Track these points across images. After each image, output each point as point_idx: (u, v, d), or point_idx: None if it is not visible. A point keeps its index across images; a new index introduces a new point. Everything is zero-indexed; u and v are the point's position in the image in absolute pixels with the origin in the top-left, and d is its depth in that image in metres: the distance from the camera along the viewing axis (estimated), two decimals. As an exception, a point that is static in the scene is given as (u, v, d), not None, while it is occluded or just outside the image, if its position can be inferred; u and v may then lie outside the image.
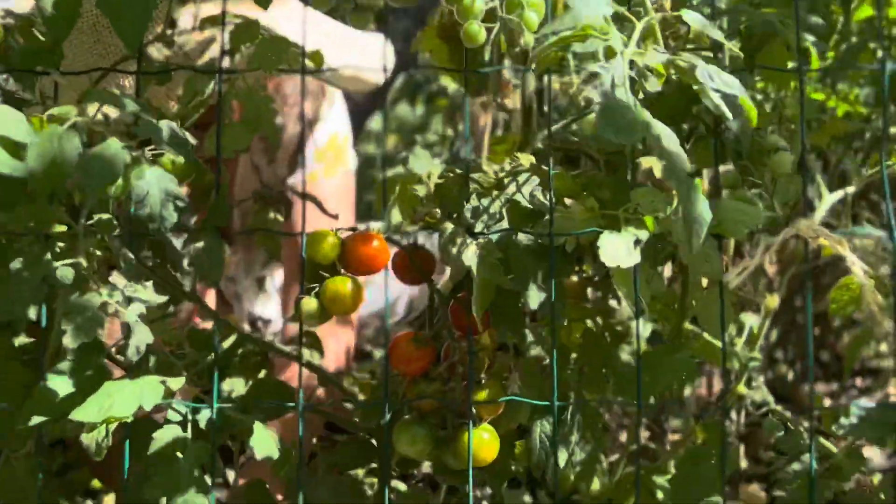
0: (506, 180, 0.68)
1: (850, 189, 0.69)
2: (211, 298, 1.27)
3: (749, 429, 1.02)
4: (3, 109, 0.50)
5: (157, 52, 0.70)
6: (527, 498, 1.01)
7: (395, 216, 0.71)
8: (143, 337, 0.58)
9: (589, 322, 0.84)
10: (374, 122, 2.30)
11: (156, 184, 0.55)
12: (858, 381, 1.57)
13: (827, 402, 1.45)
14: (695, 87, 0.58)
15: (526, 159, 0.72)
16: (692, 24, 0.60)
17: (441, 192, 0.67)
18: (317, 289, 0.63)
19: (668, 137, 0.54)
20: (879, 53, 1.17)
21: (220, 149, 0.65)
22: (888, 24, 1.10)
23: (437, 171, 0.68)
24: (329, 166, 1.19)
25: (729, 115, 0.58)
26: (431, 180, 0.67)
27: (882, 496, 0.64)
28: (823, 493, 0.64)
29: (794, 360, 1.45)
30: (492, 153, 0.84)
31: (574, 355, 0.83)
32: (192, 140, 0.60)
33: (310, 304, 0.63)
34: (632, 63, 0.58)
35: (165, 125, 0.57)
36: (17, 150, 0.49)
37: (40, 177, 0.49)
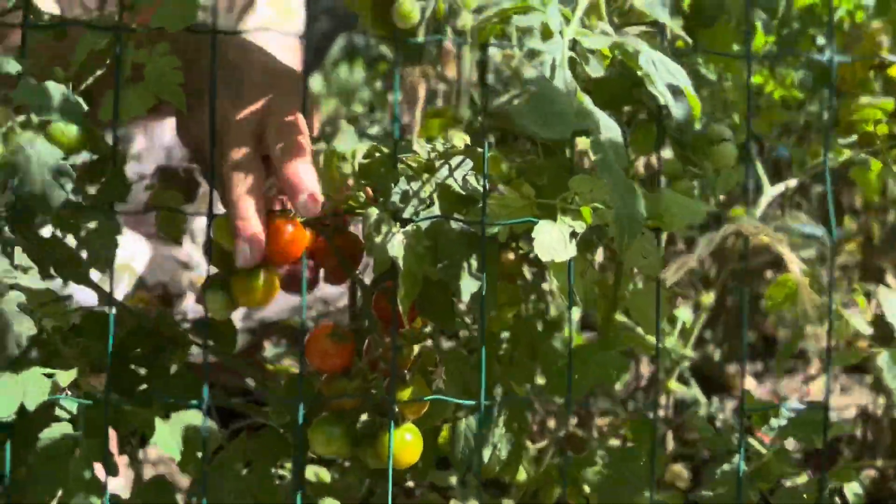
0: (437, 162, 0.63)
1: (792, 182, 0.68)
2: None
3: (678, 414, 1.01)
4: None
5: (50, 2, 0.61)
6: (453, 479, 0.99)
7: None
8: (24, 329, 0.52)
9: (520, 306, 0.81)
10: (314, 85, 2.22)
11: (37, 160, 0.48)
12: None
13: (752, 383, 1.48)
14: (640, 74, 0.55)
15: (459, 139, 0.68)
16: (639, 4, 0.56)
17: (366, 172, 0.62)
18: (223, 281, 0.58)
19: (608, 128, 0.51)
20: (820, 40, 1.16)
21: (118, 114, 0.58)
22: (826, 11, 1.08)
23: (362, 148, 0.62)
24: (281, 12, 1.04)
25: (674, 107, 0.55)
26: (356, 159, 0.62)
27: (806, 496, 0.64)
28: (749, 493, 0.62)
29: (721, 341, 1.46)
30: (427, 127, 0.79)
31: (504, 344, 0.80)
32: (83, 105, 0.53)
33: (215, 300, 0.57)
34: (575, 43, 0.54)
35: (53, 88, 0.50)
36: None
37: None
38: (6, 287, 0.49)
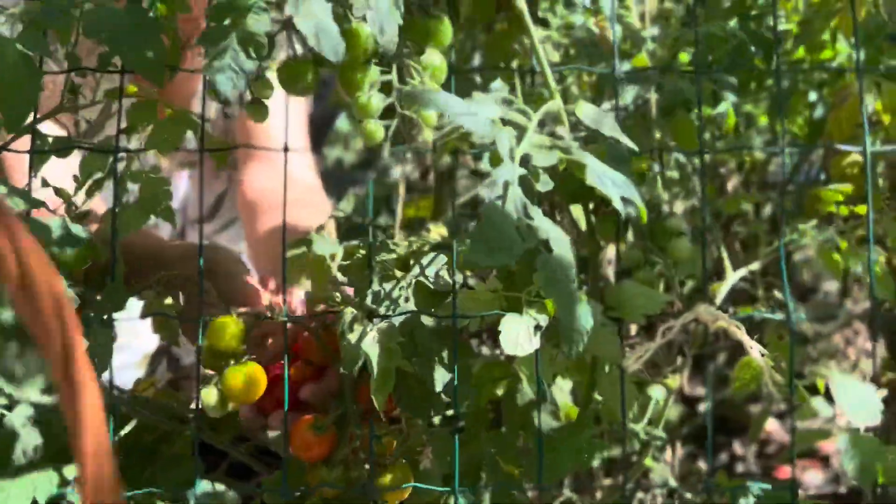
0: (411, 261, 0.67)
1: (754, 266, 0.70)
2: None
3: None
4: None
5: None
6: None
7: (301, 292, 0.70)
8: (30, 441, 0.57)
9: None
10: (340, 122, 2.30)
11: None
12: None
13: (775, 424, 1.47)
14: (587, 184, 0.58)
15: (437, 232, 0.72)
16: (585, 120, 0.60)
17: (345, 273, 0.66)
18: (216, 380, 0.62)
19: (558, 242, 0.54)
20: (812, 95, 1.18)
21: (116, 231, 0.64)
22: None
23: (340, 251, 0.67)
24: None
25: (621, 209, 0.58)
26: (335, 261, 0.67)
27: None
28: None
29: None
30: (406, 212, 0.84)
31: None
32: (84, 235, 0.59)
33: (210, 396, 0.62)
34: (528, 158, 0.58)
35: (57, 224, 0.56)
36: None
37: None
38: (11, 401, 0.55)
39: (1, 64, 0.59)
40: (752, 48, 0.90)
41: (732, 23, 0.95)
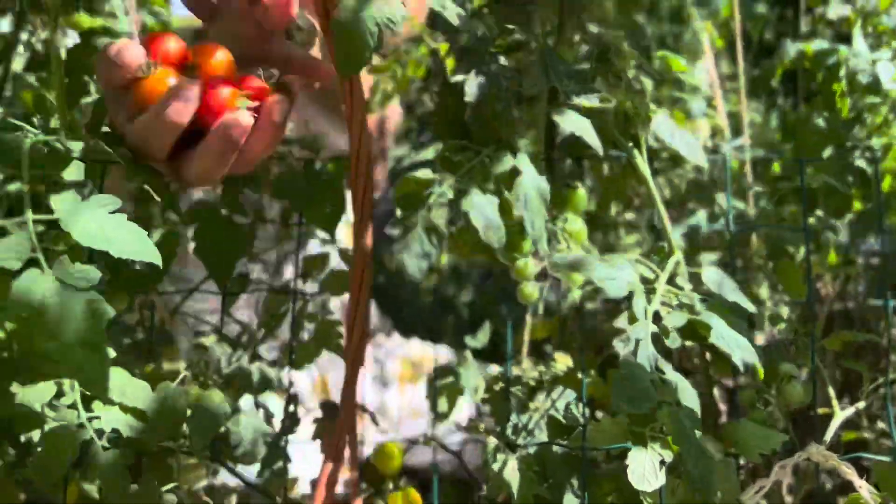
0: (544, 390, 0.76)
1: (861, 405, 0.76)
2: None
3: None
4: (128, 381, 0.59)
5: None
6: None
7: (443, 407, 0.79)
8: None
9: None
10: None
11: (250, 429, 0.64)
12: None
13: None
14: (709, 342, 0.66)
15: (563, 362, 0.80)
16: (708, 283, 0.68)
17: (485, 402, 0.75)
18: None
19: (686, 395, 0.62)
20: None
21: (294, 363, 0.74)
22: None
23: (482, 383, 0.76)
24: None
25: (739, 362, 0.65)
26: (479, 394, 0.76)
27: None
28: None
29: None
30: (533, 332, 0.93)
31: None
32: (275, 377, 0.69)
33: (374, 517, 0.71)
34: (658, 315, 0.66)
35: (256, 370, 0.66)
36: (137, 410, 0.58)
37: (158, 433, 0.58)
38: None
39: (211, 226, 0.71)
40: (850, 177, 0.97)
41: (827, 151, 1.02)
